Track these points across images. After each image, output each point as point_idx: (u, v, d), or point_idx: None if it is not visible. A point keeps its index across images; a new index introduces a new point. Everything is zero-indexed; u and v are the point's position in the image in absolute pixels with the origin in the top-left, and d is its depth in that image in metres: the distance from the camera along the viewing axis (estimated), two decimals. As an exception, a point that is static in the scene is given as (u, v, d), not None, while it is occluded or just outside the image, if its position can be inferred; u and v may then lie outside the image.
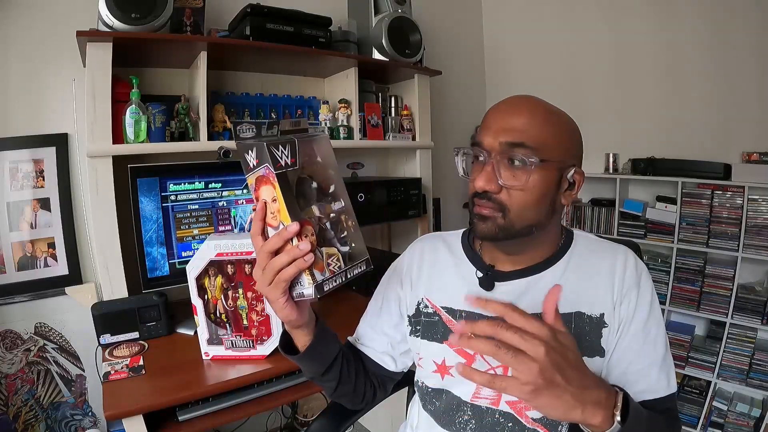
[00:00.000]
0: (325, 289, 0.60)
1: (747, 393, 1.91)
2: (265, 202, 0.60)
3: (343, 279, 0.63)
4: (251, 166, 0.59)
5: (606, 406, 0.52)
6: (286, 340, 0.72)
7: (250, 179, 0.60)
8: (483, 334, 0.49)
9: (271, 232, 0.60)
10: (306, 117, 1.83)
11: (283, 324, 0.69)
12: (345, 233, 0.65)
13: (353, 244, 0.66)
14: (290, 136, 0.62)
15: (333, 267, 0.62)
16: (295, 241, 0.58)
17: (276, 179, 0.57)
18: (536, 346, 0.48)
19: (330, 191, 0.65)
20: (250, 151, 0.59)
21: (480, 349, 0.49)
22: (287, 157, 0.59)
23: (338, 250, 0.63)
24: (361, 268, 0.66)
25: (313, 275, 0.59)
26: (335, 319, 0.78)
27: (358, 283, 1.52)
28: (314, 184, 0.63)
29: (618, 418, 0.52)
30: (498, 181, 0.65)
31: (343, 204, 0.66)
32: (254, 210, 0.61)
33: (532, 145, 0.64)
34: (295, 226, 0.57)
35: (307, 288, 0.59)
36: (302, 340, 0.70)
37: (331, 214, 0.64)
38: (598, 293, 0.69)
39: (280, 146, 0.59)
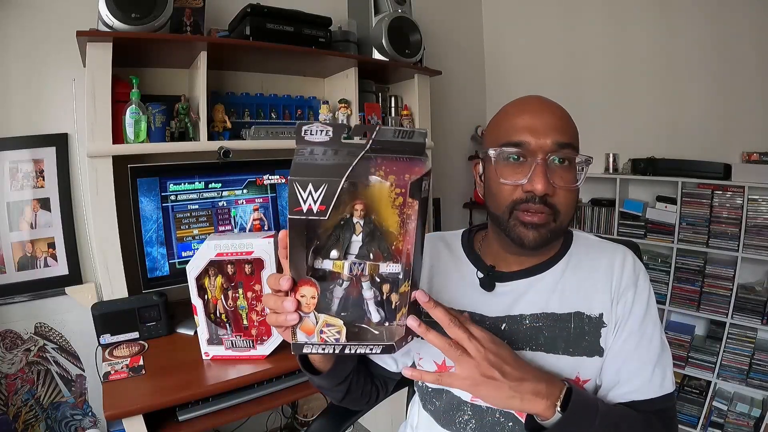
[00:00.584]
0: (305, 351, 0.51)
1: (747, 393, 1.91)
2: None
3: (335, 351, 0.51)
4: None
5: (546, 396, 0.56)
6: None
7: None
8: (437, 321, 0.54)
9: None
10: (306, 117, 1.82)
11: None
12: (380, 298, 0.50)
13: (385, 316, 0.51)
14: (331, 179, 0.45)
15: (327, 336, 0.51)
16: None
17: (288, 223, 0.46)
18: (476, 347, 0.54)
19: (393, 246, 0.49)
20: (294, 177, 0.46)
21: (433, 341, 0.54)
22: (314, 203, 0.46)
23: (344, 323, 0.50)
24: (372, 350, 0.51)
25: (294, 333, 0.51)
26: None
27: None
28: (357, 237, 0.48)
29: (558, 408, 0.56)
30: (551, 182, 0.63)
31: (400, 269, 0.49)
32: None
33: (576, 145, 0.65)
34: (285, 283, 0.49)
35: (290, 338, 0.52)
36: (318, 358, 0.68)
37: (375, 277, 0.50)
38: (596, 293, 0.69)
39: (311, 186, 0.45)
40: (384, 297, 0.50)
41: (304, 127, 0.46)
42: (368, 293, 0.50)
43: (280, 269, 0.55)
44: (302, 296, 0.50)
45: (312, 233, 0.48)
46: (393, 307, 0.51)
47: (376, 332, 0.51)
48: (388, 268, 0.49)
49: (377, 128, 0.47)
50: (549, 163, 0.64)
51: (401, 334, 0.52)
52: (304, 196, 0.46)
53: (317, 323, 0.50)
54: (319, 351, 0.51)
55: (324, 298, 0.50)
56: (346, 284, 0.50)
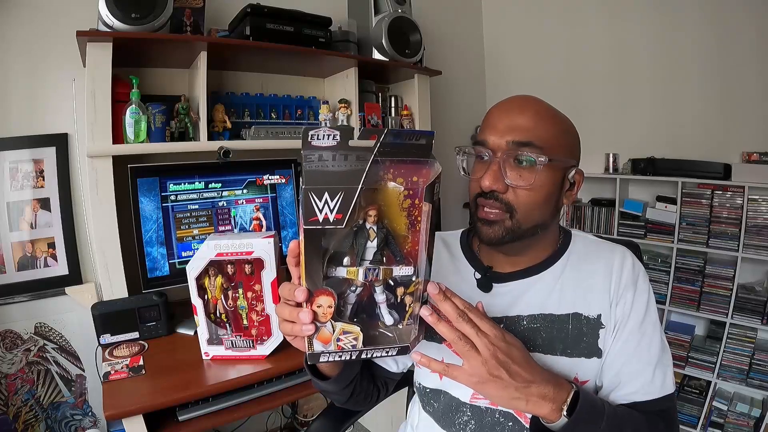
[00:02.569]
0: (321, 360, 0.51)
1: (747, 393, 1.91)
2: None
3: (353, 357, 0.51)
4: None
5: (553, 400, 0.55)
6: None
7: None
8: (446, 315, 0.53)
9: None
10: (306, 117, 1.82)
11: None
12: (393, 300, 0.51)
13: (398, 318, 0.51)
14: (349, 187, 0.45)
15: (344, 344, 0.50)
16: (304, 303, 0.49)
17: (303, 234, 0.45)
18: (485, 344, 0.53)
19: (405, 250, 0.49)
20: (302, 178, 0.45)
21: (443, 332, 0.53)
22: (331, 211, 0.45)
23: (360, 329, 0.50)
24: (388, 353, 0.52)
25: (311, 343, 0.50)
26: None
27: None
28: (371, 243, 0.48)
29: (564, 411, 0.55)
30: (504, 180, 0.64)
31: (413, 271, 0.50)
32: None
33: (539, 145, 0.64)
34: (301, 295, 0.48)
35: (306, 347, 0.51)
36: (328, 364, 0.67)
37: (390, 281, 0.50)
38: (595, 294, 0.68)
39: (327, 195, 0.45)
40: (398, 300, 0.51)
41: (311, 132, 0.45)
42: (381, 297, 0.50)
43: (286, 275, 0.55)
44: (318, 306, 0.49)
45: (326, 242, 0.47)
46: (407, 309, 0.51)
47: (390, 335, 0.51)
48: (401, 271, 0.50)
49: (385, 131, 0.46)
50: (507, 162, 0.65)
51: (415, 334, 0.52)
52: (320, 205, 0.45)
53: (334, 332, 0.50)
54: (335, 359, 0.51)
55: (338, 305, 0.49)
56: (359, 290, 0.50)
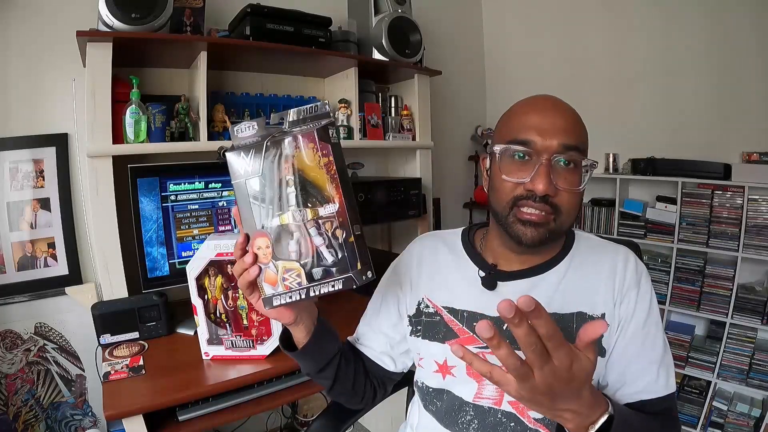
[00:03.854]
0: (275, 303, 0.58)
1: (747, 393, 1.91)
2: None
3: (302, 297, 0.58)
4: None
5: (584, 418, 0.51)
6: (287, 335, 0.72)
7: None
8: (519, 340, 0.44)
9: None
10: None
11: None
12: (328, 241, 0.58)
13: (338, 256, 0.57)
14: (256, 141, 0.58)
15: (289, 282, 0.58)
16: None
17: (235, 189, 0.58)
18: (546, 380, 0.45)
19: (325, 192, 0.57)
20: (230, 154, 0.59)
21: (503, 358, 0.45)
22: (248, 165, 0.58)
23: (300, 265, 0.57)
24: (334, 287, 0.57)
25: (262, 288, 0.58)
26: (335, 319, 0.78)
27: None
28: (290, 189, 0.57)
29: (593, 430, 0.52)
30: (554, 183, 0.63)
31: (336, 207, 0.57)
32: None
33: (583, 148, 0.65)
34: (240, 240, 0.58)
35: (261, 294, 0.59)
36: (300, 337, 0.70)
37: (319, 219, 0.57)
38: (599, 293, 0.69)
39: (242, 153, 0.58)
40: (330, 234, 0.57)
41: (236, 128, 0.59)
42: (318, 240, 0.57)
43: None
44: (258, 248, 0.58)
45: (259, 200, 0.58)
46: (340, 241, 0.57)
47: (333, 270, 0.58)
48: (326, 210, 0.57)
49: (289, 111, 0.59)
50: (554, 165, 0.64)
51: (354, 264, 0.57)
52: (239, 164, 0.58)
53: (278, 271, 0.57)
54: (287, 300, 0.58)
55: (281, 253, 0.57)
56: (297, 236, 0.57)
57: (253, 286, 0.59)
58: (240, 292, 1.11)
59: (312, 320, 0.70)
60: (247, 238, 0.58)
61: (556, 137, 0.64)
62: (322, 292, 0.57)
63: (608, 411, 0.53)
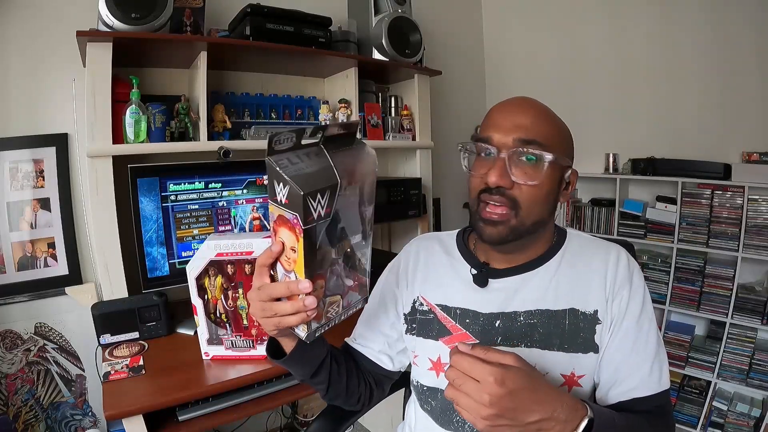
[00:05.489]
0: (316, 335, 0.57)
1: (747, 393, 1.91)
2: (283, 244, 0.53)
3: (336, 322, 0.59)
4: (279, 200, 0.50)
5: (564, 422, 0.52)
6: (274, 344, 0.71)
7: (273, 209, 0.52)
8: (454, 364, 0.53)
9: (280, 270, 0.55)
10: (306, 117, 1.82)
11: None
12: (352, 269, 0.59)
13: (357, 280, 0.60)
14: (332, 184, 0.51)
15: (331, 314, 0.58)
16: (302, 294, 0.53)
17: (302, 235, 0.49)
18: (482, 395, 0.49)
19: (359, 221, 0.58)
20: (281, 184, 0.49)
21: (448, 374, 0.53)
22: (322, 208, 0.50)
23: (340, 296, 0.59)
24: (357, 307, 0.62)
25: (309, 325, 0.55)
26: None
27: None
28: (341, 225, 0.55)
29: None
30: (510, 177, 0.65)
31: (360, 236, 0.58)
32: (271, 242, 0.55)
33: (543, 143, 0.65)
34: (308, 286, 0.52)
35: (300, 332, 0.56)
36: (288, 344, 0.69)
37: (348, 250, 0.58)
38: (591, 290, 0.69)
39: (319, 195, 0.49)
40: (357, 262, 0.60)
41: (274, 139, 0.49)
42: (346, 270, 0.58)
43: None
44: (315, 290, 0.54)
45: (315, 236, 0.52)
46: (357, 263, 0.60)
47: (356, 292, 0.61)
48: (354, 239, 0.58)
49: (326, 126, 0.54)
50: (516, 160, 0.66)
51: (365, 284, 0.62)
52: (315, 205, 0.49)
53: (324, 306, 0.56)
54: (325, 329, 0.58)
55: (329, 289, 0.56)
56: (337, 269, 0.57)
57: (289, 327, 0.57)
58: (240, 292, 1.11)
59: None
60: (311, 285, 0.53)
61: (514, 133, 0.66)
62: (349, 314, 0.60)
63: (588, 415, 0.54)
